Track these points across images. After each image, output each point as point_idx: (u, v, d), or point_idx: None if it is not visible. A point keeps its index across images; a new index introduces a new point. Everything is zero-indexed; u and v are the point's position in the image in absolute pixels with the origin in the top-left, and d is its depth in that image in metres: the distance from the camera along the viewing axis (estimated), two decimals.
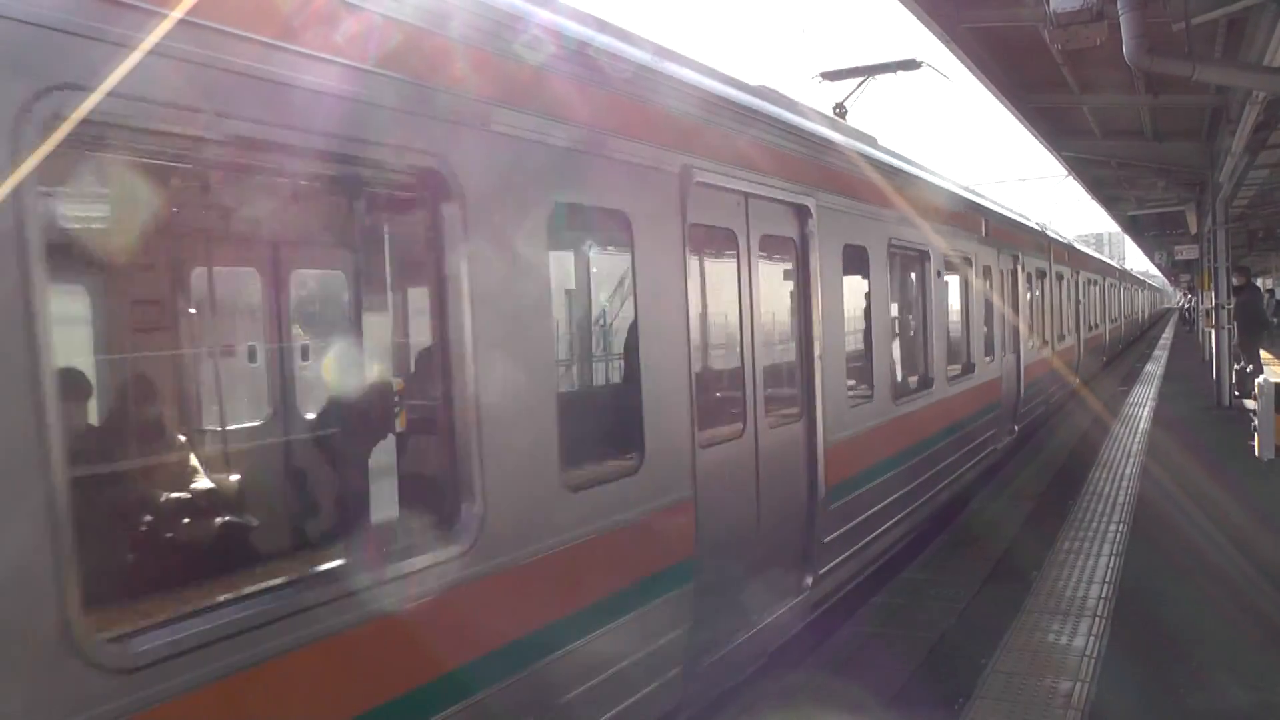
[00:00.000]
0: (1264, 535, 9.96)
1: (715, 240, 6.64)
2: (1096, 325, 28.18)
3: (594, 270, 6.15)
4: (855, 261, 8.57)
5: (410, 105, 4.25)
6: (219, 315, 6.83)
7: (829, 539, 7.91)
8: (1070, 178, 24.05)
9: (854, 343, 8.57)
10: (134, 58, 3.24)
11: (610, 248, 5.95)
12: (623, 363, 5.85)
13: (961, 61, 12.73)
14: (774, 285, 7.26)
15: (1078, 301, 23.02)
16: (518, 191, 4.82)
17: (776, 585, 7.32)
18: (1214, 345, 21.61)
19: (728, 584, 6.49)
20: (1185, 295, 71.33)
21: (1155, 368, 31.94)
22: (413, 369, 6.02)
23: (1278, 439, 11.55)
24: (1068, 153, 20.07)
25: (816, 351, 7.72)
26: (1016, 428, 15.19)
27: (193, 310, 6.47)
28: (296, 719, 3.65)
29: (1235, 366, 20.47)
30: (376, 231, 4.99)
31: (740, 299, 6.73)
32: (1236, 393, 20.13)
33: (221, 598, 3.61)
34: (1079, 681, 6.79)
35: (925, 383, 10.79)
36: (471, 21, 4.62)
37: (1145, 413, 20.61)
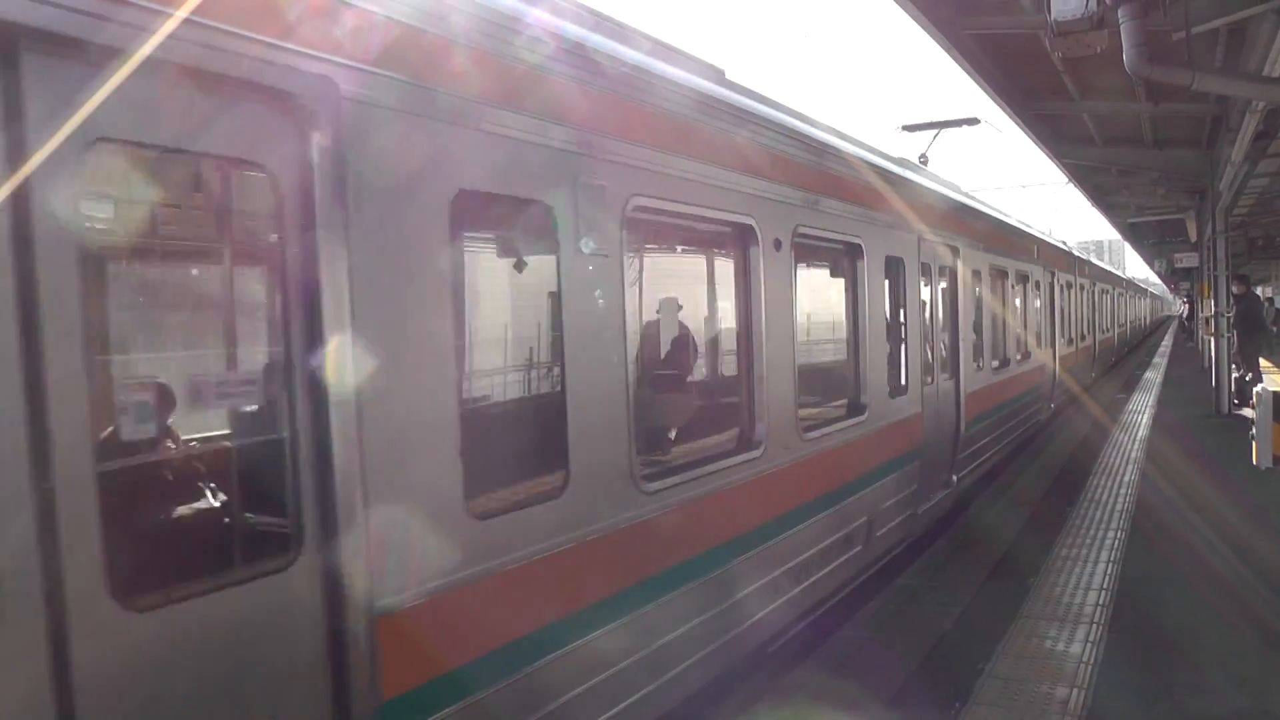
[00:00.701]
0: (1262, 542, 9.95)
1: (927, 271, 10.87)
2: (1106, 329, 30.72)
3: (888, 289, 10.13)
4: (975, 280, 12.84)
5: (849, 212, 8.67)
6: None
7: (962, 455, 12.08)
8: (1070, 185, 24.06)
9: (974, 331, 12.74)
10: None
11: (891, 275, 9.84)
12: (898, 335, 10.08)
13: (962, 67, 12.77)
14: (941, 295, 11.39)
15: (1093, 308, 26.32)
16: (885, 257, 9.55)
17: (940, 476, 11.40)
18: (1213, 353, 21.54)
19: (927, 467, 10.53)
20: (1184, 303, 70.38)
21: (1155, 375, 31.92)
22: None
23: (1275, 448, 11.56)
24: (1068, 159, 20.08)
25: (961, 336, 12.04)
26: (1053, 405, 19.22)
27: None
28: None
29: (1234, 374, 20.41)
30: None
31: (929, 304, 10.93)
32: (1235, 401, 20.09)
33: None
34: (1076, 688, 6.79)
35: (1005, 362, 14.72)
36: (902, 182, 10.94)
37: (1144, 419, 20.59)
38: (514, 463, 5.02)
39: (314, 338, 3.64)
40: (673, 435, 6.73)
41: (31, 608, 2.95)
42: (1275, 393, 11.49)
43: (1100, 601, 8.56)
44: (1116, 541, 10.51)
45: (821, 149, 8.11)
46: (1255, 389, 12.07)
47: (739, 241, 6.82)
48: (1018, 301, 15.88)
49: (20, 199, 2.98)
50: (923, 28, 11.36)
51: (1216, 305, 20.80)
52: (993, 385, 13.77)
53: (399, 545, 3.95)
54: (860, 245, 8.82)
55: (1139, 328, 56.10)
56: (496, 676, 4.36)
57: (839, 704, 6.69)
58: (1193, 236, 24.92)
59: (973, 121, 18.78)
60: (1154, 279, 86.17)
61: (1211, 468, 14.03)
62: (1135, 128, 18.09)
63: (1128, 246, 50.57)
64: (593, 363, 5.18)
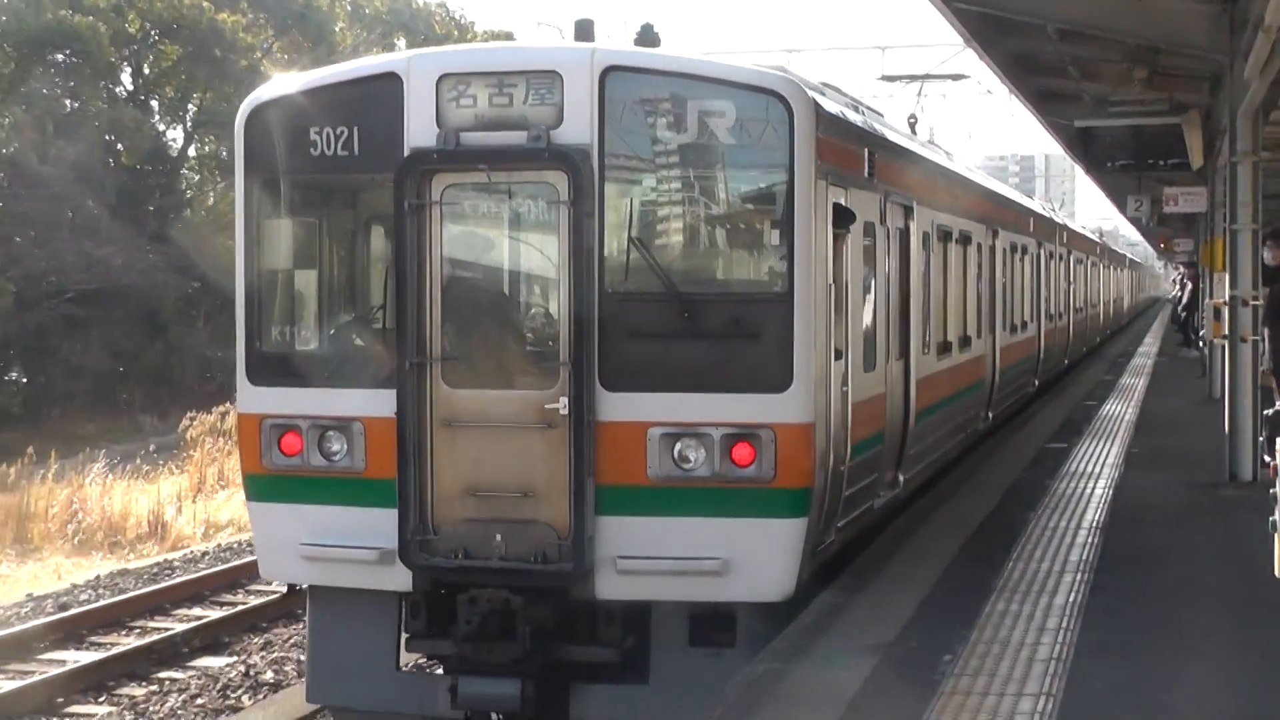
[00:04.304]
0: None
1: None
2: (1057, 315, 36.81)
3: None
4: (924, 247, 18.24)
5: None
6: None
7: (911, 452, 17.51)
8: (970, 51, 23.57)
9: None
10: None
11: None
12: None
13: None
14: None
15: (1044, 285, 33.18)
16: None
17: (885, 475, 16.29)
18: (1228, 371, 20.07)
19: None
20: (1178, 279, 64.68)
21: (1124, 408, 32.01)
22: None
23: None
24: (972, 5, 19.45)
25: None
26: (991, 415, 25.08)
27: None
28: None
29: (1267, 411, 17.91)
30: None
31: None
32: (1267, 458, 17.56)
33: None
34: None
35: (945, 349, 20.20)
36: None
37: (1098, 492, 19.23)
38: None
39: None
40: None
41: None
42: None
43: None
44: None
45: None
46: None
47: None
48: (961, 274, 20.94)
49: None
50: None
51: (1234, 283, 19.22)
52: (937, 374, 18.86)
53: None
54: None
55: (1108, 317, 58.83)
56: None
57: None
58: (1195, 159, 24.53)
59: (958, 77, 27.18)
60: (1131, 233, 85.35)
61: (1211, 598, 13.33)
62: None
63: (1078, 172, 52.33)
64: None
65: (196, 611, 19.52)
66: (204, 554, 23.42)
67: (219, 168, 63.61)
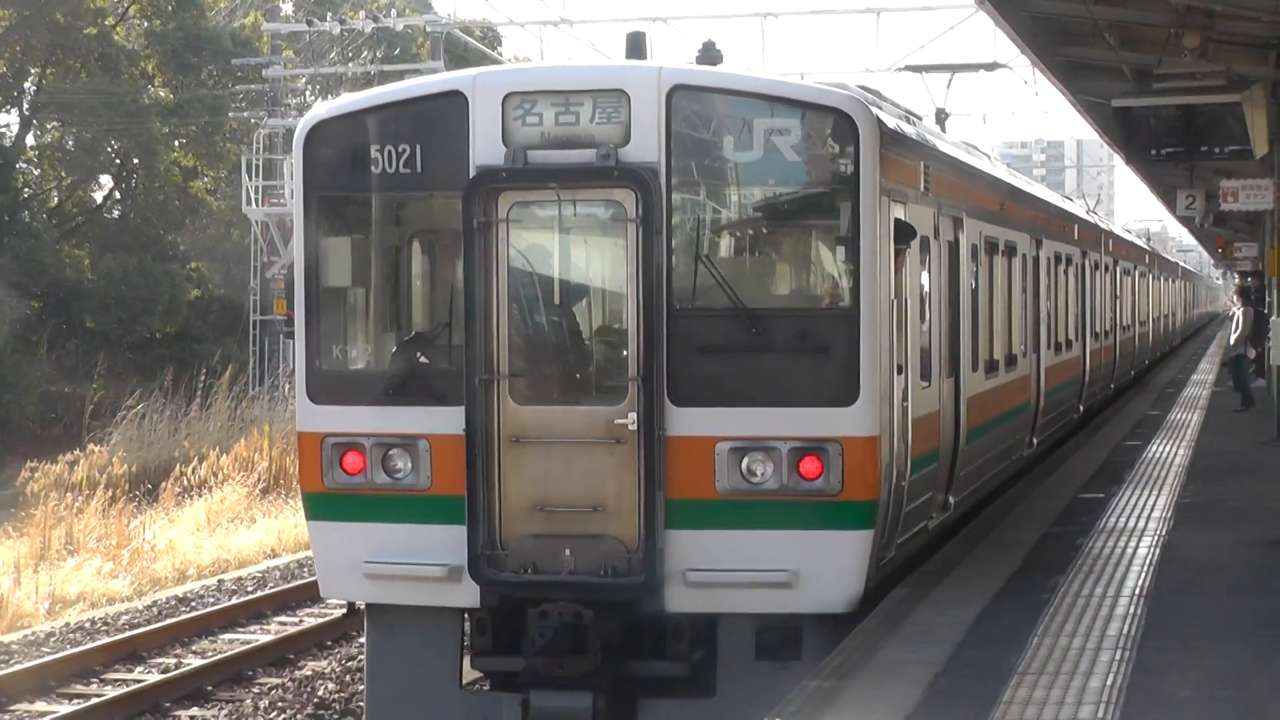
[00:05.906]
0: None
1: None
2: (1102, 335, 39.92)
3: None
4: (987, 257, 22.15)
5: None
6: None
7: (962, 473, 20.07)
8: (984, 14, 23.82)
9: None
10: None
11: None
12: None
13: None
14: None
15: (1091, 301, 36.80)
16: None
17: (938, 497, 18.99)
18: None
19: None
20: (1235, 297, 61.07)
21: (1173, 449, 31.72)
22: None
23: None
24: None
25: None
26: (1035, 441, 28.10)
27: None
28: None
29: None
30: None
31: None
32: None
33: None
34: None
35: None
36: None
37: (1142, 551, 19.14)
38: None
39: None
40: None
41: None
42: None
43: None
44: None
45: None
46: None
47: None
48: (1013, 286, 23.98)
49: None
50: None
51: None
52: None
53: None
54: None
55: (1157, 336, 61.66)
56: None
57: None
58: (1259, 145, 24.56)
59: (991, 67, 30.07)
60: (1184, 236, 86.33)
61: None
62: None
63: (1118, 162, 55.10)
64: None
65: (39, 707, 19.12)
66: (49, 635, 22.94)
67: (65, 161, 61.84)
